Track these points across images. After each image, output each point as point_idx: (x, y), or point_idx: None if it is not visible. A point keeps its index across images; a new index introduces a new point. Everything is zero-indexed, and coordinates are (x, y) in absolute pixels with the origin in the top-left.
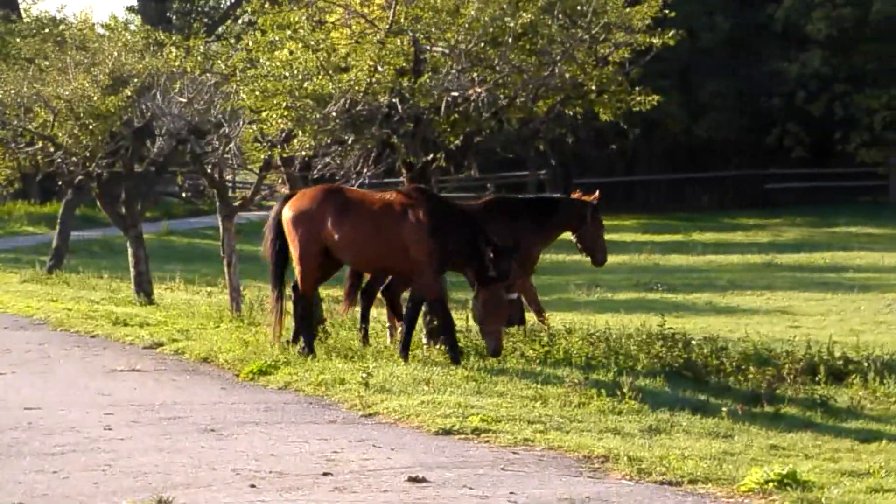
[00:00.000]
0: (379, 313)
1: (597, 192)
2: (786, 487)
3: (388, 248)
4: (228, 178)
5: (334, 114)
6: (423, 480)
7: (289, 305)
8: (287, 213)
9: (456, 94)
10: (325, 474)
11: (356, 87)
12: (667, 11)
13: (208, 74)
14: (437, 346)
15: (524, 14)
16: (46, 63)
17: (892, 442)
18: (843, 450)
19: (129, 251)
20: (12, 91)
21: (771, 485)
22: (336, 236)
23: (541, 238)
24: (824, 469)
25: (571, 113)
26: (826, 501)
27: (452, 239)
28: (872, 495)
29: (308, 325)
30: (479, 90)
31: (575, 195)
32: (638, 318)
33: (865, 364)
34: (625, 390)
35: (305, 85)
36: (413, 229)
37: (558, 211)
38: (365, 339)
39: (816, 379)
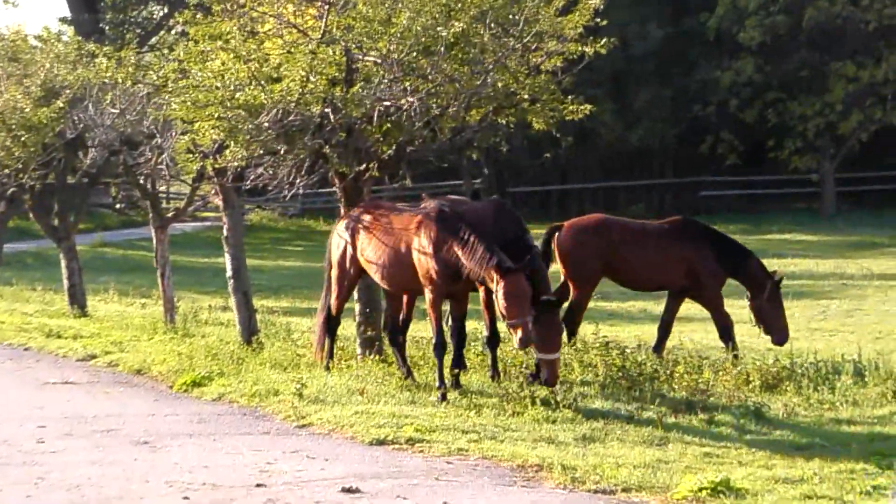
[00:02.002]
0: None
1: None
2: (719, 495)
3: None
4: (162, 189)
5: (266, 124)
6: (357, 491)
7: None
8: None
9: (388, 103)
10: (258, 485)
11: (288, 98)
12: (599, 20)
13: (140, 85)
14: (373, 357)
15: (456, 23)
16: None
17: (826, 449)
18: (776, 457)
19: (63, 263)
20: None
21: (704, 492)
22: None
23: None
24: (758, 476)
25: (504, 122)
26: None
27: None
28: (805, 502)
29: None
30: (411, 100)
31: None
32: None
33: (799, 371)
34: (559, 399)
35: (237, 95)
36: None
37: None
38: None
39: (750, 386)
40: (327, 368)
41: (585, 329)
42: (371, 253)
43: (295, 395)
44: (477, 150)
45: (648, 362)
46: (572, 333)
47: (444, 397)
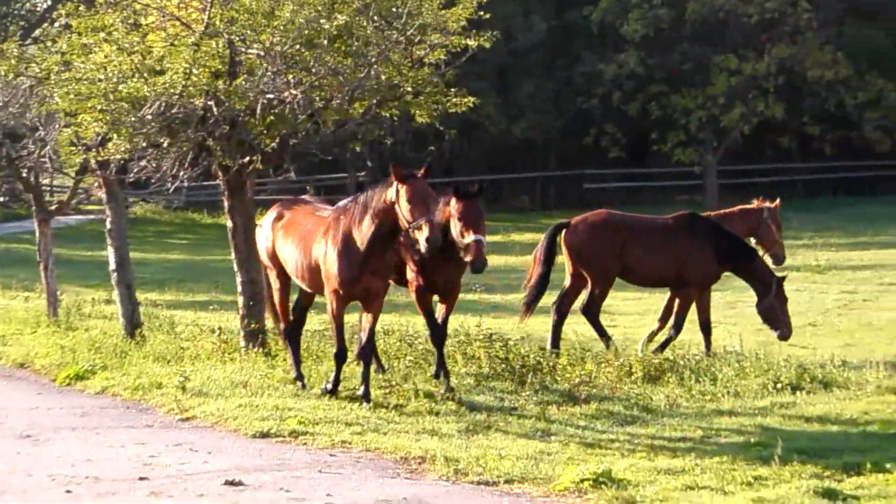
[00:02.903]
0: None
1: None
2: (601, 486)
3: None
4: (45, 181)
5: (149, 117)
6: (240, 484)
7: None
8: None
9: (271, 96)
10: (141, 479)
11: (171, 90)
12: (482, 13)
13: (23, 78)
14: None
15: (339, 16)
16: None
17: (707, 439)
18: (658, 448)
19: None
20: None
21: (586, 483)
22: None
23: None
24: (640, 467)
25: (388, 115)
26: (641, 499)
27: None
28: (687, 492)
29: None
30: (294, 92)
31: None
32: (456, 319)
33: (681, 362)
34: (442, 391)
35: (120, 88)
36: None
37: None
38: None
39: (633, 378)
40: (298, 378)
41: (469, 321)
42: (287, 252)
43: (178, 389)
44: (361, 143)
45: (531, 354)
46: (594, 320)
47: (366, 397)
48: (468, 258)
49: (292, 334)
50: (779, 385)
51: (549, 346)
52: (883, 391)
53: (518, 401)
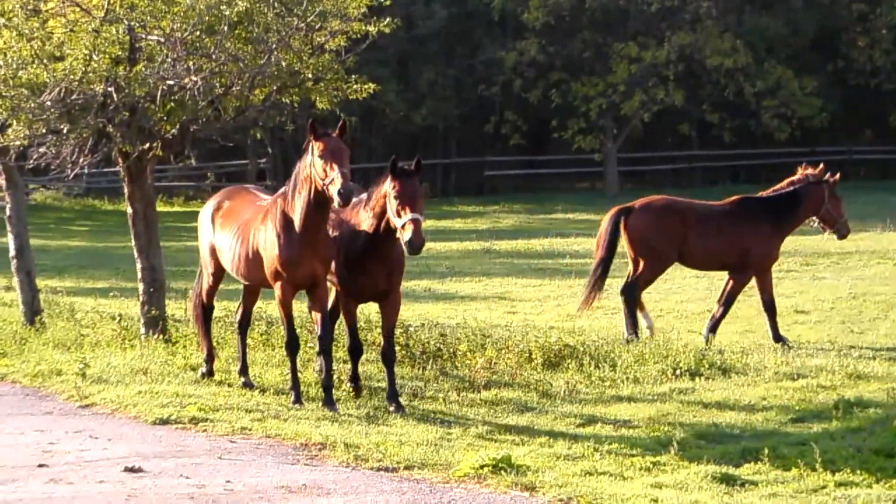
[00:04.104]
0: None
1: (837, 175)
2: (500, 472)
3: None
4: None
5: (49, 103)
6: (140, 470)
7: None
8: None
9: (171, 82)
10: (40, 466)
11: (71, 76)
12: (383, 0)
13: None
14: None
15: (240, 2)
16: None
17: (606, 425)
18: (558, 434)
19: None
20: None
21: (486, 469)
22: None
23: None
24: (539, 453)
25: (288, 101)
26: (540, 485)
27: None
28: (586, 478)
29: None
30: (194, 79)
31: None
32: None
33: (581, 349)
34: (342, 378)
35: (20, 74)
36: None
37: (802, 203)
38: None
39: (533, 364)
40: (208, 367)
41: (369, 308)
42: (223, 241)
43: (78, 376)
44: (261, 130)
45: (432, 341)
46: (634, 306)
47: (297, 399)
48: (405, 237)
49: (207, 318)
50: (678, 371)
51: (625, 333)
52: (780, 377)
53: (418, 387)
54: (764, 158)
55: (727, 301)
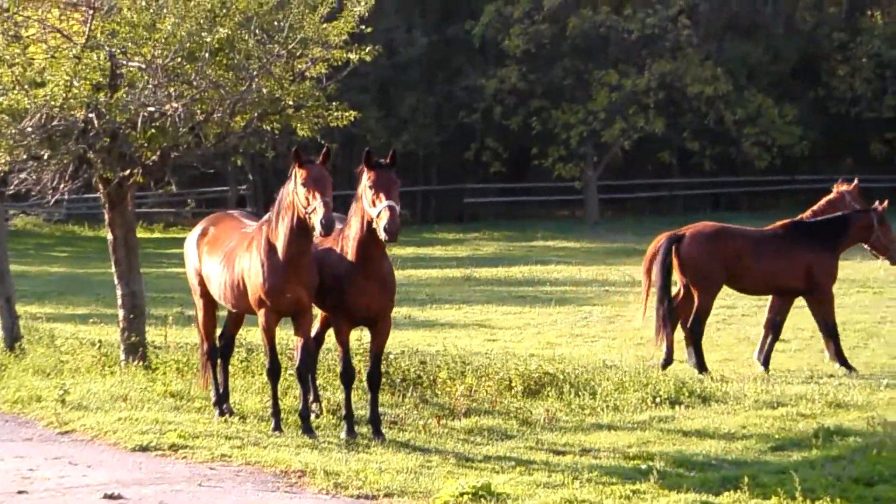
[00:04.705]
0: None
1: (885, 202)
2: (480, 499)
3: None
4: None
5: (30, 129)
6: (119, 497)
7: None
8: None
9: (152, 109)
10: (20, 492)
11: (52, 103)
12: (364, 27)
13: None
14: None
15: (221, 29)
16: None
17: (586, 453)
18: (537, 462)
19: None
20: None
21: (466, 497)
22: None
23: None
24: (519, 481)
25: (269, 128)
26: None
27: None
28: None
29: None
30: (175, 105)
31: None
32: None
33: (561, 376)
34: (322, 405)
35: (1, 100)
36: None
37: (850, 227)
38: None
39: (513, 392)
40: (217, 405)
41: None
42: (211, 269)
43: (58, 402)
44: (242, 157)
45: (412, 368)
46: (699, 338)
47: (277, 426)
48: (381, 224)
49: (215, 357)
50: (658, 399)
51: (695, 371)
52: (760, 405)
53: (398, 414)
54: (744, 186)
55: (826, 328)
